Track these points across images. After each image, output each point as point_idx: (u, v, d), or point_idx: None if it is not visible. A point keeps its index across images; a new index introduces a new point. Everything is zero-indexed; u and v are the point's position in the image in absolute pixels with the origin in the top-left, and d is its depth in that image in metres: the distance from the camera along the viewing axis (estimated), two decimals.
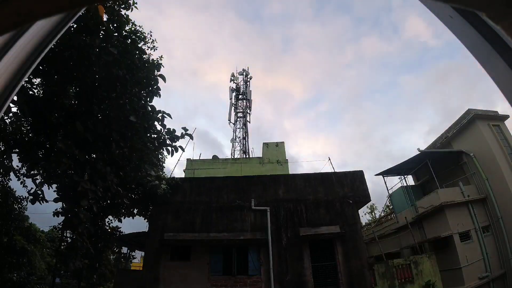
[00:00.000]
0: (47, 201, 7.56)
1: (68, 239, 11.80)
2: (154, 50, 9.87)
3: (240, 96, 24.11)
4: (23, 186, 10.20)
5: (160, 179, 10.86)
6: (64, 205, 8.13)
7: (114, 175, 7.85)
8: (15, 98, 5.72)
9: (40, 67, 6.24)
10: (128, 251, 17.41)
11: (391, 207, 21.77)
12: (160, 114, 7.46)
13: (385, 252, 15.53)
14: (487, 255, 14.07)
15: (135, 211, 12.42)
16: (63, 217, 8.31)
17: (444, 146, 18.60)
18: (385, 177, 18.67)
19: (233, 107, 23.26)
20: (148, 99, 7.70)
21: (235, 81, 24.69)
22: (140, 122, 6.93)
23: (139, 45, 7.61)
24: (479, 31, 1.03)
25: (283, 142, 18.09)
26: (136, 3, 7.79)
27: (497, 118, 16.83)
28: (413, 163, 17.25)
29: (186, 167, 17.14)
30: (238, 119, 23.25)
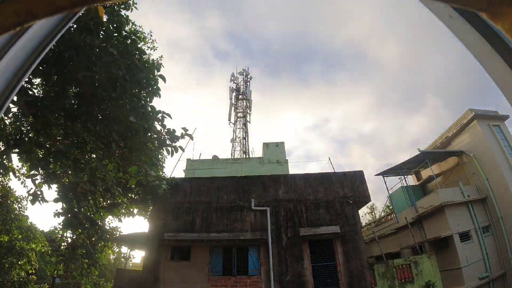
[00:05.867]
0: (47, 201, 7.56)
1: (68, 239, 11.81)
2: (154, 50, 9.92)
3: (240, 96, 24.14)
4: (24, 186, 10.21)
5: (160, 179, 10.87)
6: (64, 205, 8.14)
7: (114, 175, 7.85)
8: (15, 98, 5.72)
9: (40, 67, 6.24)
10: (128, 251, 17.42)
11: (391, 207, 21.78)
12: (160, 114, 7.45)
13: (385, 252, 15.54)
14: (487, 255, 14.07)
15: (135, 211, 12.42)
16: (63, 217, 8.32)
17: (444, 146, 18.61)
18: (385, 177, 18.68)
19: (233, 107, 23.28)
20: (148, 99, 7.70)
21: (235, 81, 24.72)
22: (140, 122, 6.93)
23: (139, 46, 7.62)
24: (479, 31, 1.03)
25: (283, 142, 18.10)
26: (136, 4, 7.81)
27: (497, 118, 16.84)
28: (413, 163, 17.25)
29: (186, 167, 17.15)
30: (238, 119, 23.26)
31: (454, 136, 17.96)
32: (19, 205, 14.15)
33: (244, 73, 24.96)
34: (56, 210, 8.18)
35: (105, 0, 0.51)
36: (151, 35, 9.83)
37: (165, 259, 11.31)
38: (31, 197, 7.08)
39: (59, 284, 21.00)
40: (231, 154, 21.42)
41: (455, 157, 17.41)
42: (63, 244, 12.83)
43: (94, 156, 7.59)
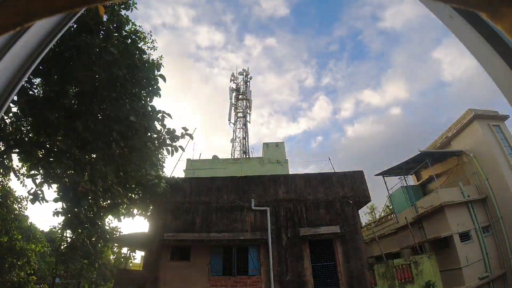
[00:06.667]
0: (47, 201, 7.56)
1: (68, 239, 11.82)
2: (154, 50, 9.91)
3: (240, 96, 24.13)
4: (23, 186, 10.21)
5: (160, 179, 10.87)
6: (64, 205, 8.14)
7: (114, 175, 7.85)
8: (15, 98, 5.72)
9: (40, 67, 6.24)
10: (128, 251, 17.42)
11: (391, 207, 21.78)
12: (160, 114, 7.46)
13: (385, 252, 15.54)
14: (487, 255, 14.07)
15: (135, 211, 12.41)
16: (63, 217, 8.32)
17: (444, 146, 18.61)
18: (385, 177, 18.67)
19: (233, 107, 23.28)
20: (148, 99, 7.70)
21: (235, 81, 24.72)
22: (140, 122, 6.93)
23: (139, 45, 7.62)
24: (479, 31, 1.03)
25: (283, 142, 18.11)
26: (136, 4, 7.80)
27: (497, 118, 16.84)
28: (413, 163, 17.25)
29: (186, 167, 17.15)
30: (238, 119, 23.26)
31: (454, 136, 17.96)
32: (19, 205, 14.16)
33: (244, 73, 24.96)
34: (56, 209, 8.18)
35: (105, 0, 0.51)
36: (151, 35, 9.83)
37: (165, 259, 11.30)
38: (32, 197, 7.08)
39: (59, 284, 21.00)
40: (231, 154, 21.42)
41: (455, 157, 17.40)
42: (63, 244, 12.84)
43: (94, 156, 7.59)
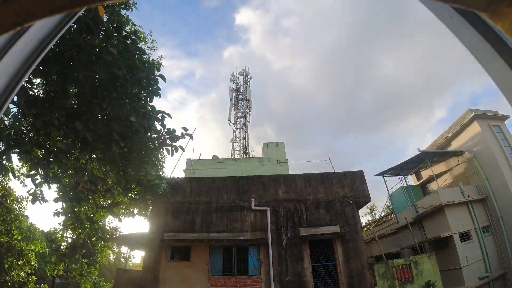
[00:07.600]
0: (47, 201, 7.56)
1: (69, 239, 11.81)
2: (154, 51, 9.93)
3: (240, 96, 24.16)
4: (23, 186, 10.22)
5: (160, 179, 10.86)
6: (64, 205, 8.14)
7: (114, 175, 7.85)
8: (15, 98, 5.72)
9: (41, 67, 6.24)
10: (128, 251, 17.42)
11: (391, 207, 21.78)
12: (160, 114, 7.46)
13: (385, 252, 15.53)
14: (487, 255, 14.07)
15: (135, 211, 12.42)
16: (63, 217, 8.32)
17: (444, 146, 18.62)
18: (385, 177, 18.67)
19: (233, 107, 23.30)
20: (148, 99, 7.70)
21: (235, 81, 24.74)
22: (140, 122, 6.93)
23: (139, 45, 7.62)
24: (479, 31, 1.03)
25: (283, 142, 18.11)
26: (136, 4, 7.80)
27: (497, 118, 16.84)
28: (413, 163, 17.26)
29: (186, 167, 17.16)
30: (238, 119, 23.28)
31: (454, 136, 17.96)
32: (19, 205, 14.17)
33: (244, 73, 24.98)
34: (56, 210, 8.19)
35: (105, 0, 0.51)
36: (151, 35, 9.84)
37: (165, 259, 11.31)
38: (31, 197, 7.08)
39: (59, 284, 21.01)
40: (231, 154, 21.43)
41: (455, 157, 17.41)
42: (63, 244, 12.84)
43: (94, 156, 7.59)
